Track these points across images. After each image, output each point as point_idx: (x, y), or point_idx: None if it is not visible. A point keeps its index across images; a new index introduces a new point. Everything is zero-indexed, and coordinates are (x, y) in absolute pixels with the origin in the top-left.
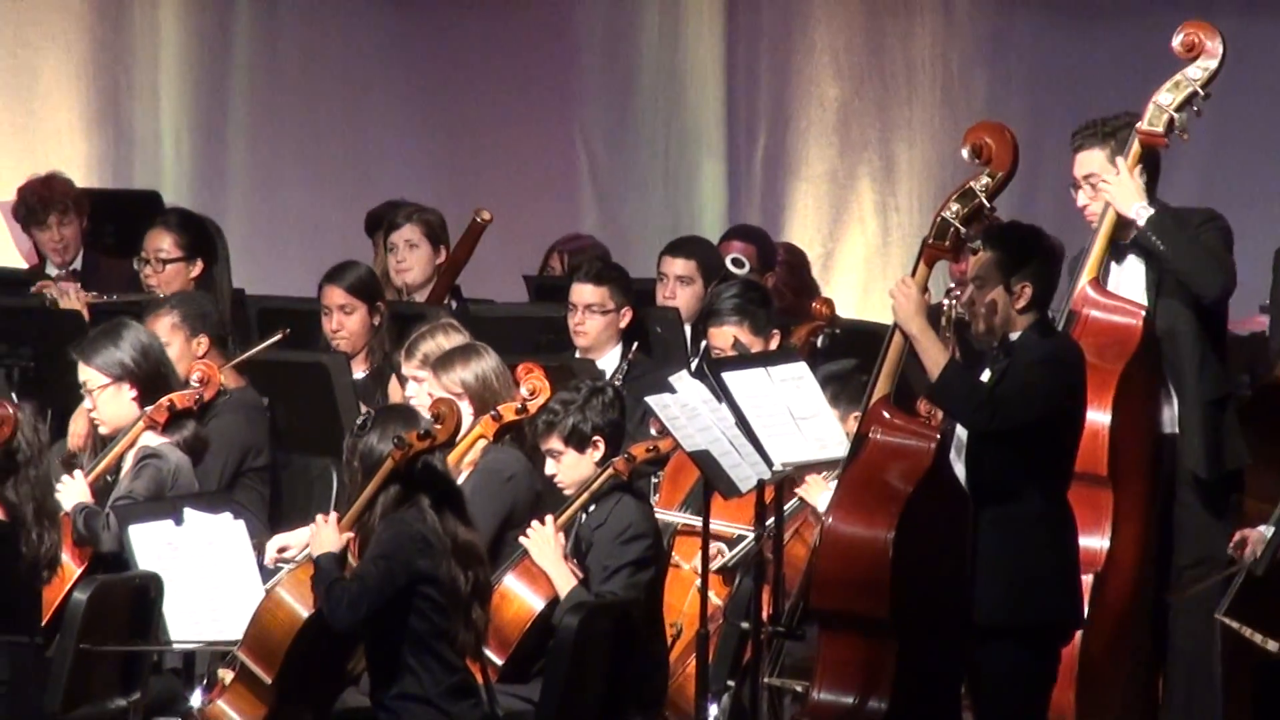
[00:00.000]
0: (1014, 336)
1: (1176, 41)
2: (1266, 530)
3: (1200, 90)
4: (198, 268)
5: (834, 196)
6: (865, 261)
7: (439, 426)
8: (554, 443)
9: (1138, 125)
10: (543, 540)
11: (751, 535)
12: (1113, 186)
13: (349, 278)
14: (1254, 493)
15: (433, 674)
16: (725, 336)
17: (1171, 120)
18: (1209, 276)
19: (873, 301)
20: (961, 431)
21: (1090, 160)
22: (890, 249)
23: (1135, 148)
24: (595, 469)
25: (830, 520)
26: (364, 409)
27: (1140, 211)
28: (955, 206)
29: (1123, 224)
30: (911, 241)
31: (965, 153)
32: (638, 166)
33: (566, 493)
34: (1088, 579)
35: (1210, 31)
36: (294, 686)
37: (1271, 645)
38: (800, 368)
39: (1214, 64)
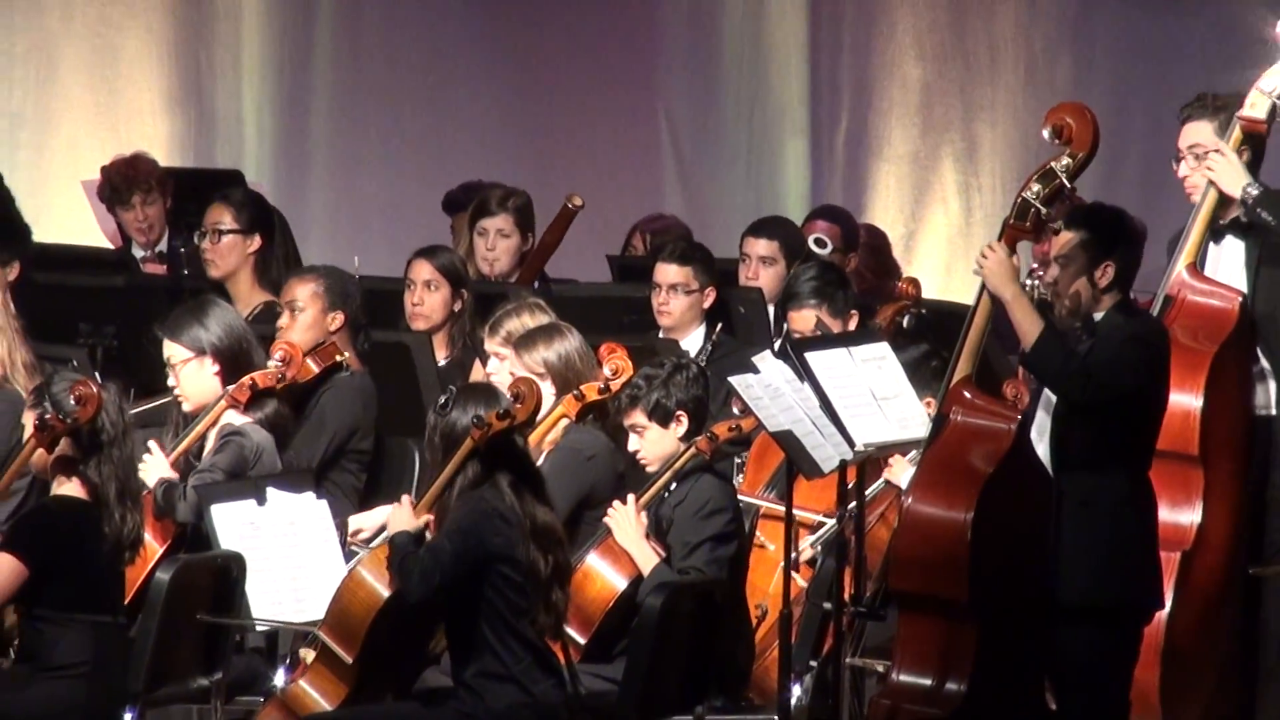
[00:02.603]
0: (1097, 316)
1: (1277, 29)
2: None
3: None
4: (255, 243)
5: (916, 177)
6: (948, 242)
7: (519, 406)
8: (637, 417)
9: (1239, 111)
10: (625, 519)
11: (834, 518)
12: (1219, 166)
13: (440, 257)
14: None
15: (513, 652)
16: (805, 320)
17: (1274, 107)
18: None
19: (955, 282)
20: (1042, 413)
21: (1198, 131)
22: (972, 229)
23: (1236, 133)
24: (678, 444)
25: (910, 501)
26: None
27: (1249, 189)
28: (1036, 187)
29: (1222, 205)
30: (994, 222)
31: (1046, 133)
32: (721, 146)
33: (649, 469)
34: (1175, 557)
35: None
36: (375, 666)
37: None
38: (882, 348)
39: None
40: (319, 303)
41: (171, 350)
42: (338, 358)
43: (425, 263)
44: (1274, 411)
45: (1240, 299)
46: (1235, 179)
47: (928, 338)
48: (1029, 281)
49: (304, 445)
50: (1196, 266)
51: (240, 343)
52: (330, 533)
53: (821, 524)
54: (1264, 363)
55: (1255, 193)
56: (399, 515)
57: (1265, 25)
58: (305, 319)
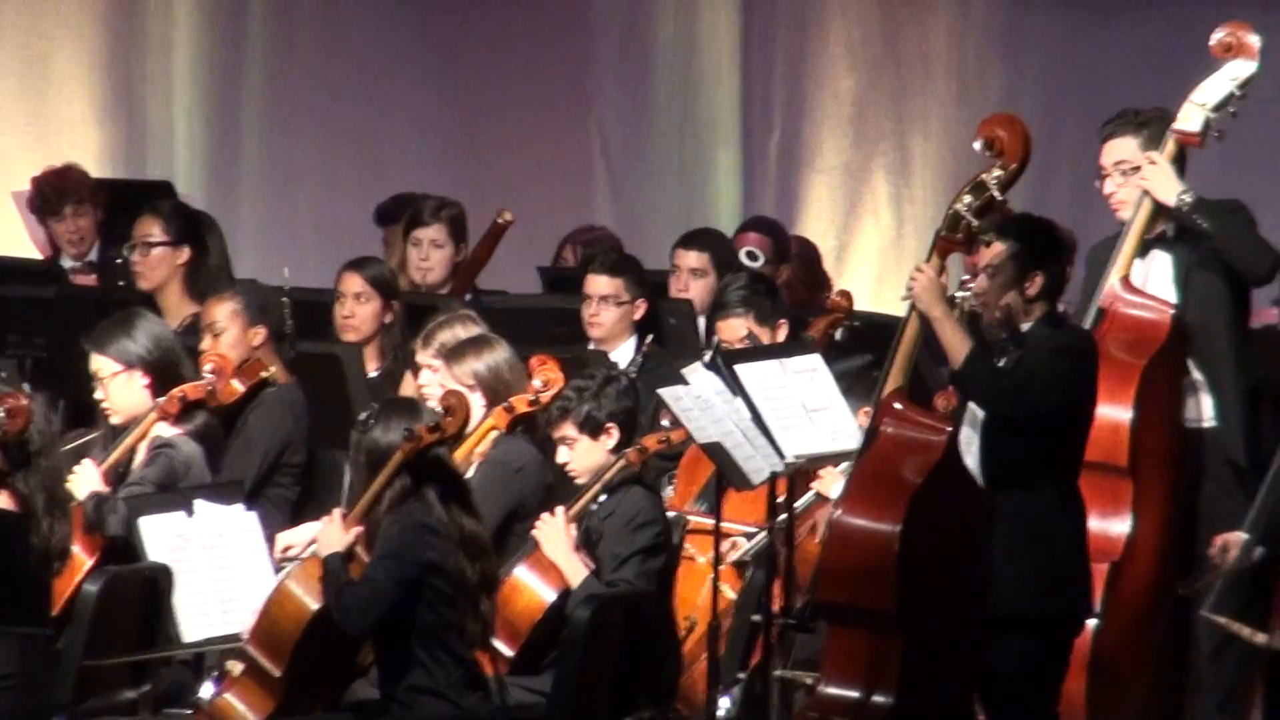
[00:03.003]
0: (1025, 327)
1: (1215, 41)
2: (1241, 535)
3: (1237, 91)
4: (185, 254)
5: (848, 188)
6: (879, 254)
7: (449, 419)
8: (567, 429)
9: (1173, 125)
10: (553, 532)
11: (763, 529)
12: (1153, 175)
13: (370, 269)
14: None
15: (443, 666)
16: (733, 329)
17: (1208, 122)
18: (1259, 255)
19: (887, 294)
20: (968, 428)
21: (1122, 147)
22: (904, 241)
23: (1170, 146)
24: (608, 457)
25: (838, 513)
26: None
27: (1184, 196)
28: (968, 199)
29: (1154, 218)
30: (926, 234)
31: (978, 145)
32: (652, 158)
33: (578, 481)
34: (1104, 568)
35: (1252, 34)
36: (303, 679)
37: (1260, 638)
38: (814, 360)
39: (1253, 66)
40: (239, 320)
41: (99, 364)
42: (263, 374)
43: (355, 275)
44: (1205, 424)
45: (1172, 311)
46: (1170, 187)
47: (863, 350)
48: (960, 293)
49: (236, 465)
50: (1129, 279)
51: (169, 354)
52: (260, 545)
53: (751, 536)
54: (1195, 375)
55: (1190, 199)
56: (329, 531)
57: (1200, 37)
58: (228, 339)
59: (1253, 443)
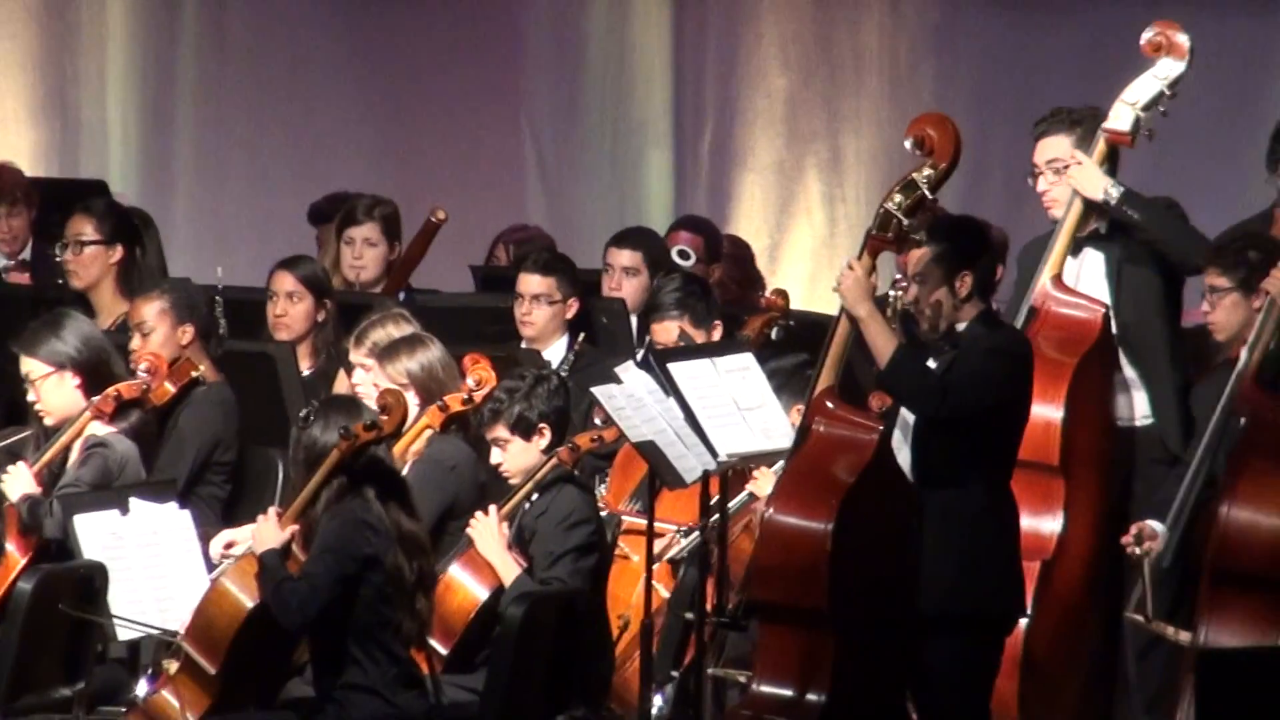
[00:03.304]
0: (960, 328)
1: (1145, 40)
2: (1158, 525)
3: (1167, 90)
4: (118, 253)
5: (781, 187)
6: (812, 253)
7: (385, 418)
8: (500, 431)
9: (1104, 124)
10: (486, 530)
11: (696, 527)
12: (1079, 173)
13: (302, 267)
14: None
15: (378, 664)
16: (668, 331)
17: (1138, 120)
18: (1190, 242)
19: (819, 293)
20: (907, 420)
21: (1054, 146)
22: (837, 240)
23: (1101, 146)
24: (541, 457)
25: (770, 511)
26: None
27: (1111, 190)
28: (898, 198)
29: (1087, 216)
30: (858, 233)
31: (908, 144)
32: (584, 157)
33: (511, 481)
34: (1035, 566)
35: (1180, 33)
36: (238, 676)
37: (1183, 636)
38: (746, 358)
39: (1183, 64)
40: (167, 319)
41: (30, 366)
42: (193, 374)
43: (287, 274)
44: (1138, 422)
45: (1103, 310)
46: (1096, 182)
47: (798, 350)
48: (892, 292)
49: (169, 465)
50: (1060, 278)
51: (99, 353)
52: (193, 543)
53: (687, 534)
54: (1129, 372)
55: (1118, 192)
56: (265, 529)
57: (1131, 37)
58: (156, 339)
59: (1189, 437)
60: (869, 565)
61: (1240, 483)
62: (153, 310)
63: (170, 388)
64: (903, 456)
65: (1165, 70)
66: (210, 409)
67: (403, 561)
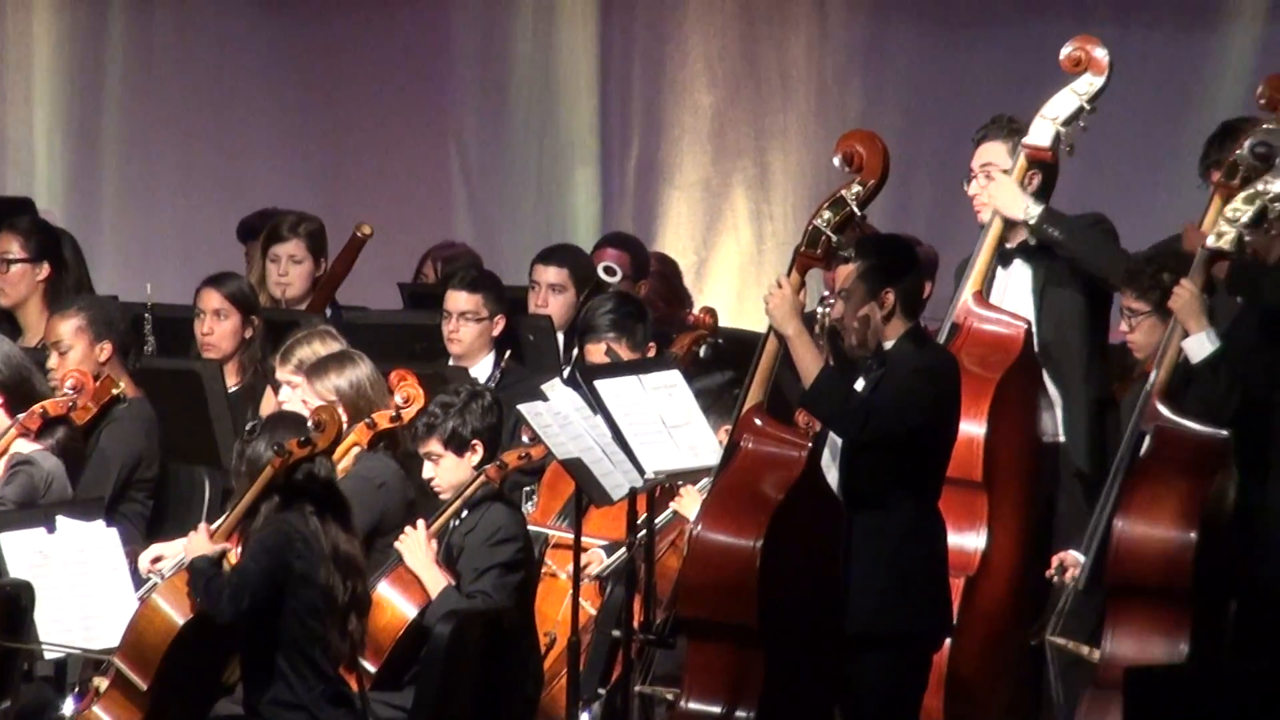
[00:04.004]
0: (887, 346)
1: (1064, 55)
2: (1080, 555)
3: (1087, 105)
4: (45, 271)
5: (708, 204)
6: (739, 270)
7: (319, 434)
8: (433, 445)
9: (1023, 140)
10: (415, 544)
11: (618, 545)
12: (996, 190)
13: (228, 285)
14: None
15: (306, 680)
16: (602, 354)
17: (1058, 135)
18: (1110, 259)
19: (747, 310)
20: (836, 439)
21: (991, 151)
22: (764, 257)
23: (1021, 161)
24: (472, 473)
25: (699, 528)
26: (250, 418)
27: (1030, 208)
28: (827, 214)
29: (1008, 230)
30: (786, 249)
31: (837, 161)
32: (511, 175)
33: (443, 497)
34: (959, 582)
35: (1099, 47)
36: (169, 693)
37: (1096, 654)
38: (673, 376)
39: (1102, 79)
40: (84, 337)
41: None
42: (114, 391)
43: (214, 292)
44: (1061, 438)
45: (1025, 326)
46: (1014, 201)
47: (726, 367)
48: (820, 309)
49: (92, 483)
50: (983, 294)
51: (20, 371)
52: (120, 561)
53: (615, 548)
54: (1050, 389)
55: (1037, 211)
56: (196, 541)
57: (1057, 52)
58: (75, 356)
59: (1098, 453)
60: (797, 582)
61: (1135, 496)
62: (69, 328)
63: (93, 406)
64: (831, 476)
65: (1084, 85)
66: (132, 426)
67: (336, 580)
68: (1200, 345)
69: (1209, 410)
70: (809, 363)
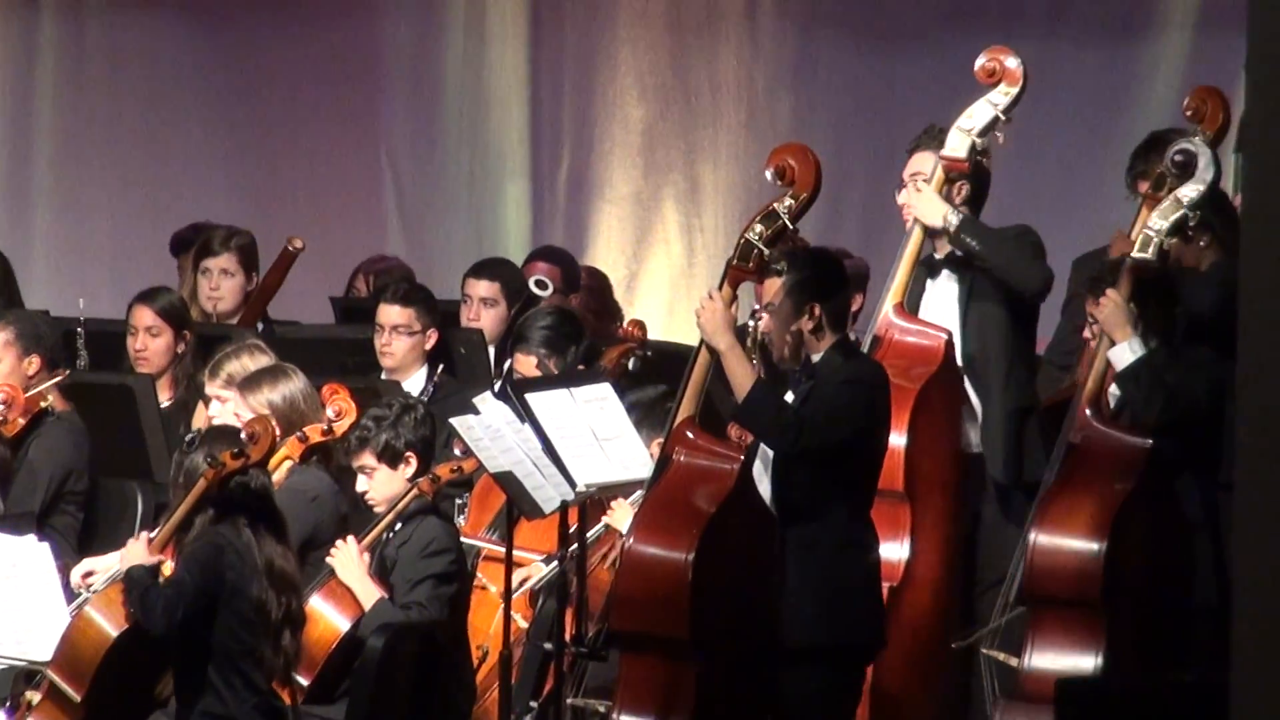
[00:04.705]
0: (816, 358)
1: (978, 66)
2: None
3: (1002, 115)
4: None
5: (638, 218)
6: (670, 283)
7: (253, 445)
8: (366, 458)
9: (939, 152)
10: (347, 557)
11: (554, 558)
12: (916, 199)
13: (160, 300)
14: None
15: (237, 693)
16: (530, 365)
17: (974, 146)
18: (1029, 270)
19: (677, 323)
20: (761, 455)
21: (922, 160)
22: (695, 270)
23: (939, 173)
24: (406, 485)
25: (631, 541)
26: (184, 432)
27: (950, 217)
28: (759, 228)
29: (929, 242)
30: (716, 263)
31: (769, 174)
32: (442, 189)
33: (376, 510)
34: (883, 591)
35: (1012, 58)
36: (102, 705)
37: (1014, 661)
38: (604, 389)
39: (1016, 90)
40: (13, 351)
41: None
42: (42, 404)
43: (145, 308)
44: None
45: (945, 337)
46: (935, 210)
47: (656, 380)
48: (751, 322)
49: (22, 497)
50: (904, 305)
51: None
52: (52, 575)
53: (543, 564)
54: (973, 399)
55: (957, 220)
56: (134, 550)
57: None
58: (2, 369)
59: (1014, 463)
60: (730, 595)
61: (1051, 508)
62: None
63: (21, 419)
64: (763, 487)
65: (999, 96)
66: (61, 438)
67: (269, 595)
68: (1123, 354)
69: (1135, 419)
70: (741, 376)
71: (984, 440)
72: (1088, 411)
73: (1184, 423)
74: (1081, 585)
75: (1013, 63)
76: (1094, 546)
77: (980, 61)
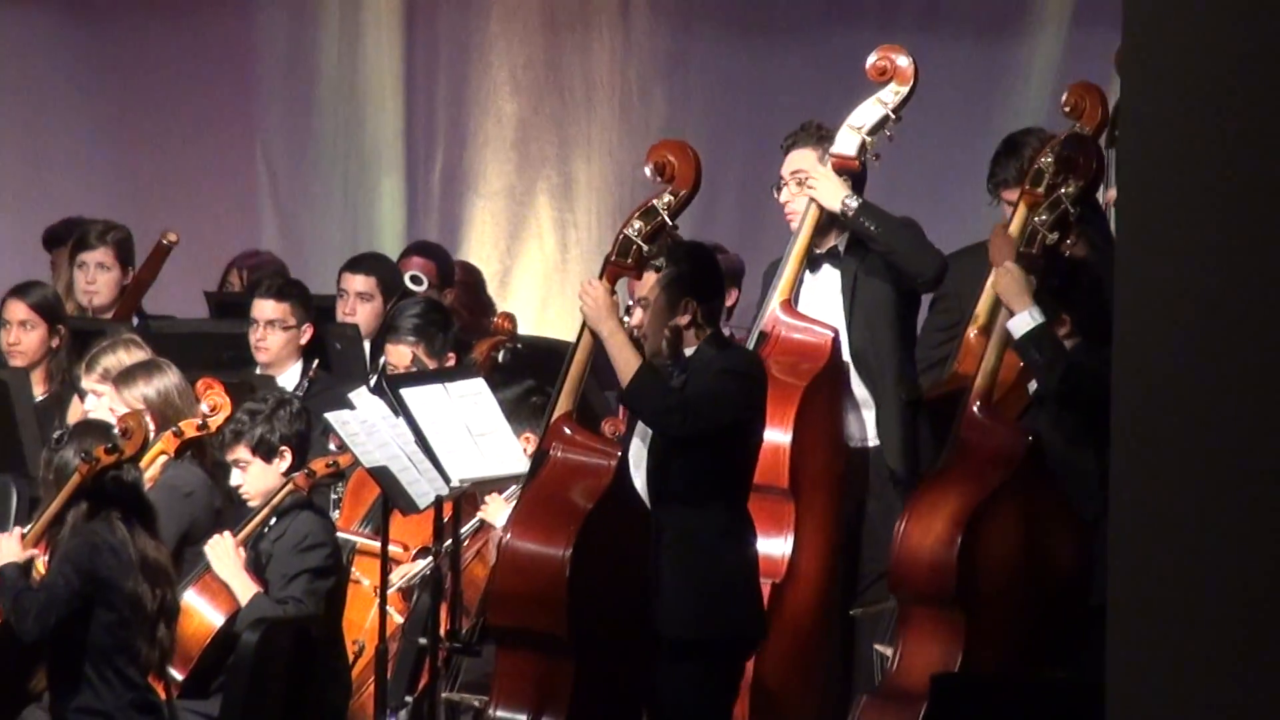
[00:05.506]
0: (689, 352)
1: (869, 64)
2: None
3: (892, 114)
4: None
5: (512, 213)
6: (544, 278)
7: (126, 441)
8: (241, 452)
9: (829, 149)
10: (223, 550)
11: (428, 551)
12: (818, 184)
13: (34, 295)
14: None
15: (113, 688)
16: (401, 354)
17: (864, 144)
18: (924, 256)
19: (550, 317)
20: (638, 443)
21: (801, 158)
22: (569, 265)
23: (828, 170)
24: (280, 479)
25: (509, 537)
26: (57, 426)
27: (849, 201)
28: (638, 224)
29: (819, 235)
30: (590, 258)
31: (649, 170)
32: (317, 183)
33: (251, 504)
34: (766, 587)
35: (904, 56)
36: None
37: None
38: (478, 384)
39: (906, 88)
40: None
41: None
42: None
43: (19, 302)
44: (870, 442)
45: (833, 335)
46: (835, 194)
47: (526, 373)
48: (625, 318)
49: None
50: (791, 302)
51: None
52: None
53: (416, 559)
54: (860, 392)
55: (855, 204)
56: (6, 546)
57: (862, 60)
58: None
59: (911, 455)
60: (607, 590)
61: (918, 503)
62: None
63: None
64: (638, 479)
65: (890, 94)
66: None
67: (144, 588)
68: (1023, 321)
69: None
70: (625, 360)
71: (880, 433)
72: (975, 406)
73: (1087, 396)
74: (938, 581)
75: (904, 61)
76: (951, 542)
77: (871, 59)
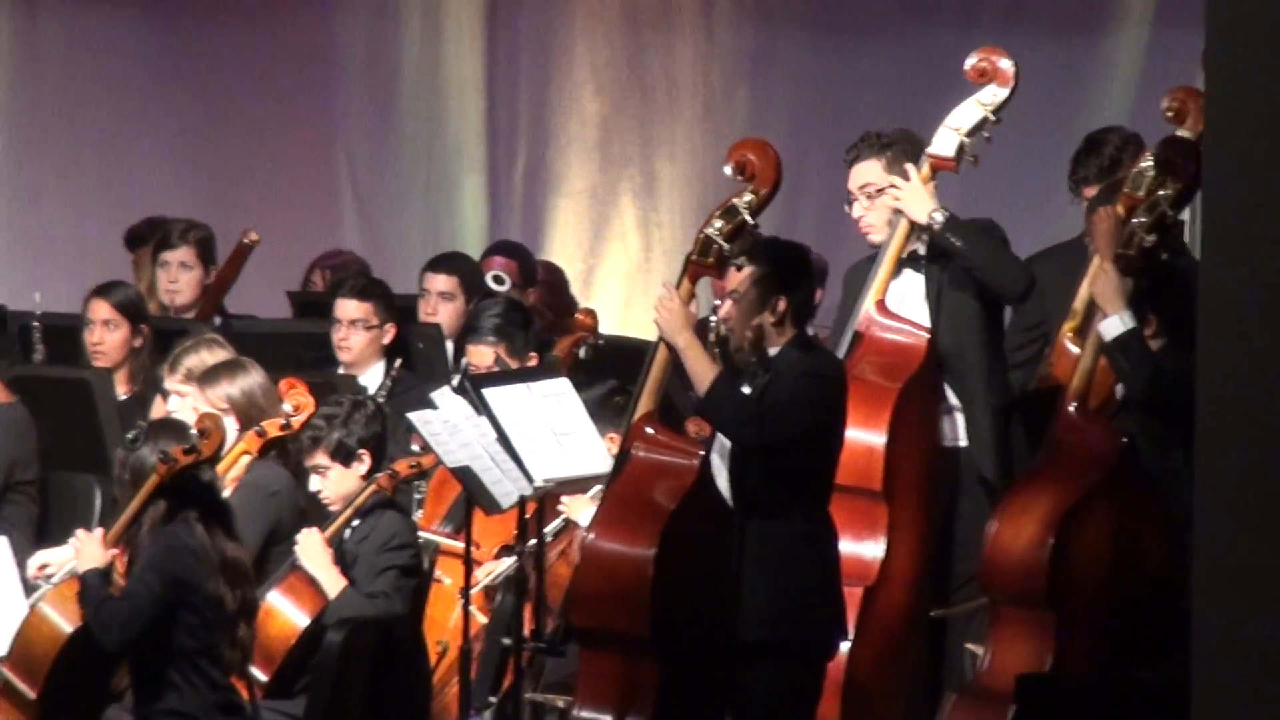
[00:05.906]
0: (773, 352)
1: (969, 66)
2: None
3: (991, 116)
4: None
5: (595, 212)
6: (627, 277)
7: (204, 441)
8: (320, 458)
9: (927, 150)
10: (313, 545)
11: (512, 551)
12: (905, 194)
13: (117, 294)
14: None
15: (197, 690)
16: (483, 355)
17: (962, 146)
18: (1013, 273)
19: (634, 317)
20: (724, 445)
21: (867, 171)
22: (652, 265)
23: (925, 171)
24: (360, 483)
25: (591, 537)
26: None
27: (935, 215)
28: (719, 223)
29: (909, 238)
30: (673, 257)
31: (729, 169)
32: (399, 182)
33: (332, 509)
34: (858, 591)
35: (1005, 59)
36: (57, 702)
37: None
38: (562, 383)
39: (1007, 90)
40: None
41: None
42: None
43: (102, 302)
44: (961, 443)
45: (928, 336)
46: (922, 205)
47: (608, 373)
48: (713, 318)
49: None
50: (884, 303)
51: None
52: (10, 569)
53: (500, 558)
54: (950, 398)
55: (942, 218)
56: (89, 548)
57: (942, 60)
58: None
59: (1003, 460)
60: (690, 591)
61: (1009, 504)
62: None
63: None
64: (720, 481)
65: (989, 96)
66: (2, 431)
67: (224, 589)
68: (1113, 326)
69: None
70: (701, 371)
71: (971, 439)
72: (1070, 407)
73: (1172, 402)
74: (1028, 583)
75: (1005, 63)
76: (1043, 544)
77: (971, 61)
